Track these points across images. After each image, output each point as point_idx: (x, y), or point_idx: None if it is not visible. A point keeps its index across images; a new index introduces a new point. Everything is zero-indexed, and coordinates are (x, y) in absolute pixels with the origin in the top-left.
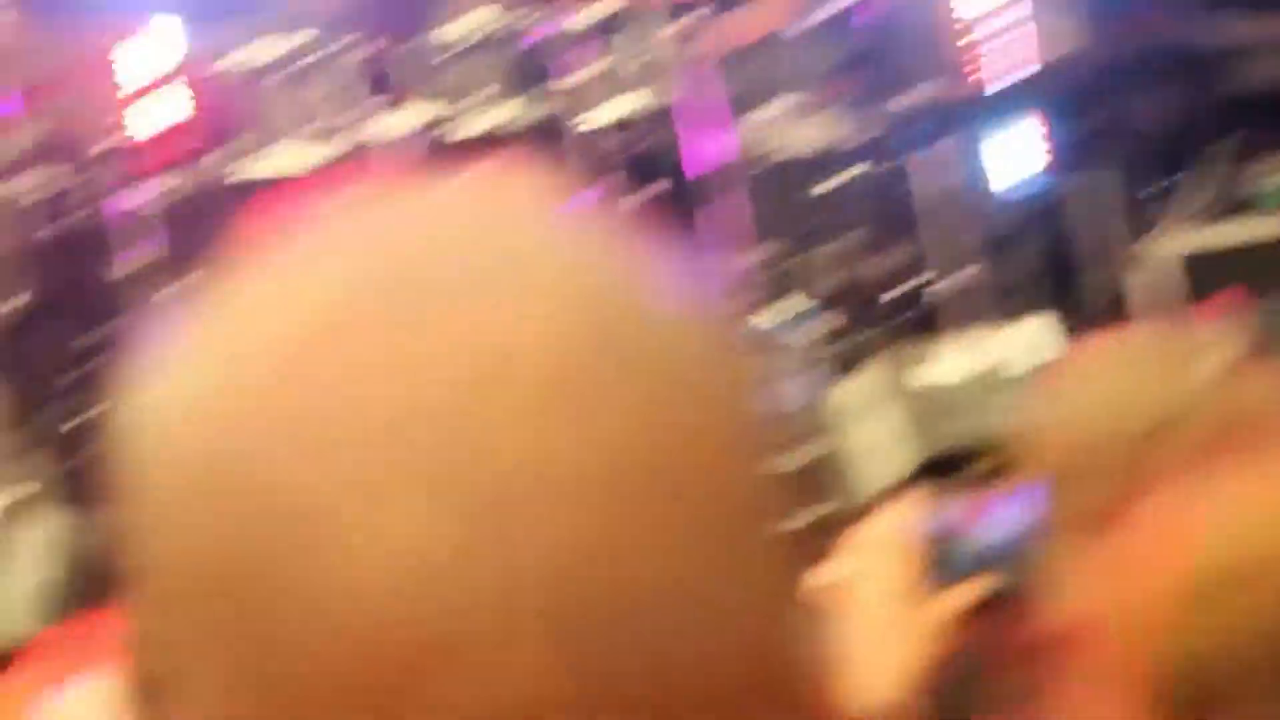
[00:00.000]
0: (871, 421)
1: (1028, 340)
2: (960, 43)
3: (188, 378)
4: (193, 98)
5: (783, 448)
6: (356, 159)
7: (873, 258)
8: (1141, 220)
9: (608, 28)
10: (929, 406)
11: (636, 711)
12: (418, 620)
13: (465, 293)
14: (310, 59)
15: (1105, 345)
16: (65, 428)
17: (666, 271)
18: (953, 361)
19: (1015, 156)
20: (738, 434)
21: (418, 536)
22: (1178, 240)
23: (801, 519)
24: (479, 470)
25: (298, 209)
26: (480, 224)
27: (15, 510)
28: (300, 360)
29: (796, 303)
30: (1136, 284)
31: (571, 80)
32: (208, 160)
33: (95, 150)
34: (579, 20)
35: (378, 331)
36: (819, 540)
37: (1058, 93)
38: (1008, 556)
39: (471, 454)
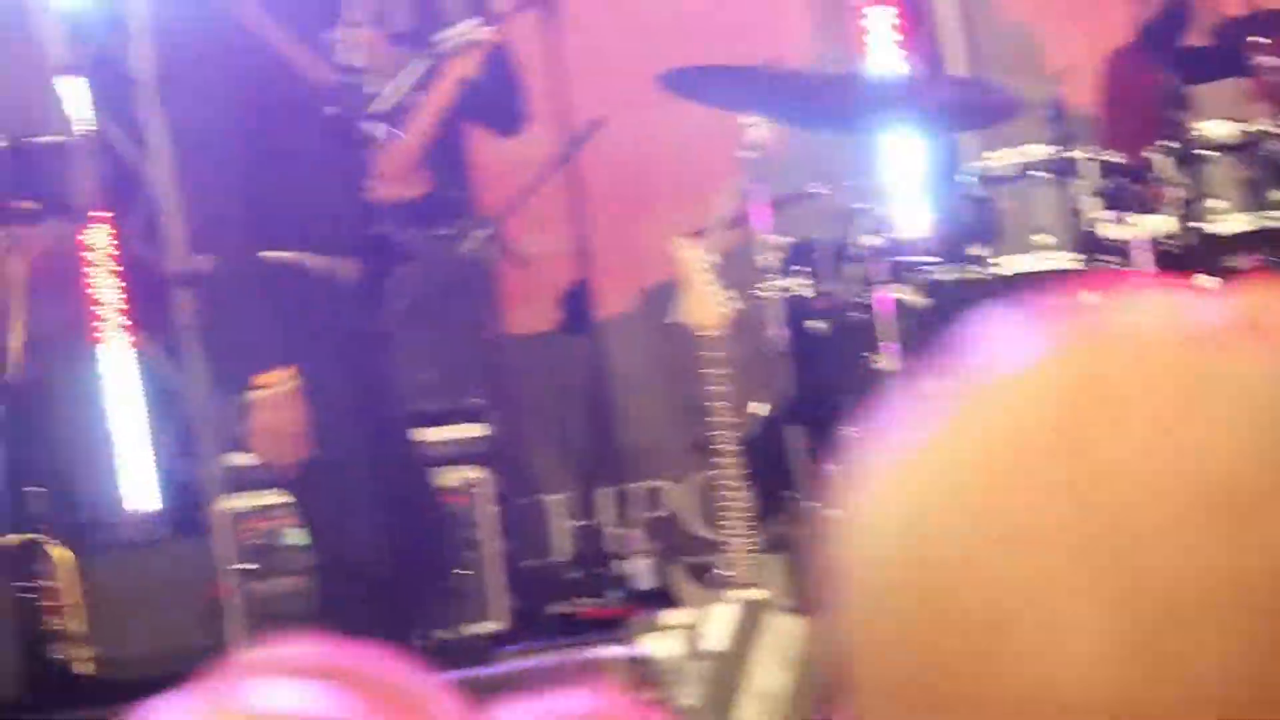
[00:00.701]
0: None
1: None
2: None
3: (902, 488)
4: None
5: None
6: (1089, 266)
7: None
8: None
9: None
10: None
11: None
12: None
13: (1157, 412)
14: (1050, 168)
15: None
16: (795, 531)
17: None
18: None
19: None
20: None
21: (1095, 644)
22: None
23: None
24: (1156, 583)
25: (1015, 319)
26: (1181, 342)
27: (752, 614)
28: (1002, 475)
29: None
30: None
31: None
32: (944, 265)
33: (852, 253)
34: None
35: (1072, 450)
36: None
37: None
38: None
39: (1149, 568)
